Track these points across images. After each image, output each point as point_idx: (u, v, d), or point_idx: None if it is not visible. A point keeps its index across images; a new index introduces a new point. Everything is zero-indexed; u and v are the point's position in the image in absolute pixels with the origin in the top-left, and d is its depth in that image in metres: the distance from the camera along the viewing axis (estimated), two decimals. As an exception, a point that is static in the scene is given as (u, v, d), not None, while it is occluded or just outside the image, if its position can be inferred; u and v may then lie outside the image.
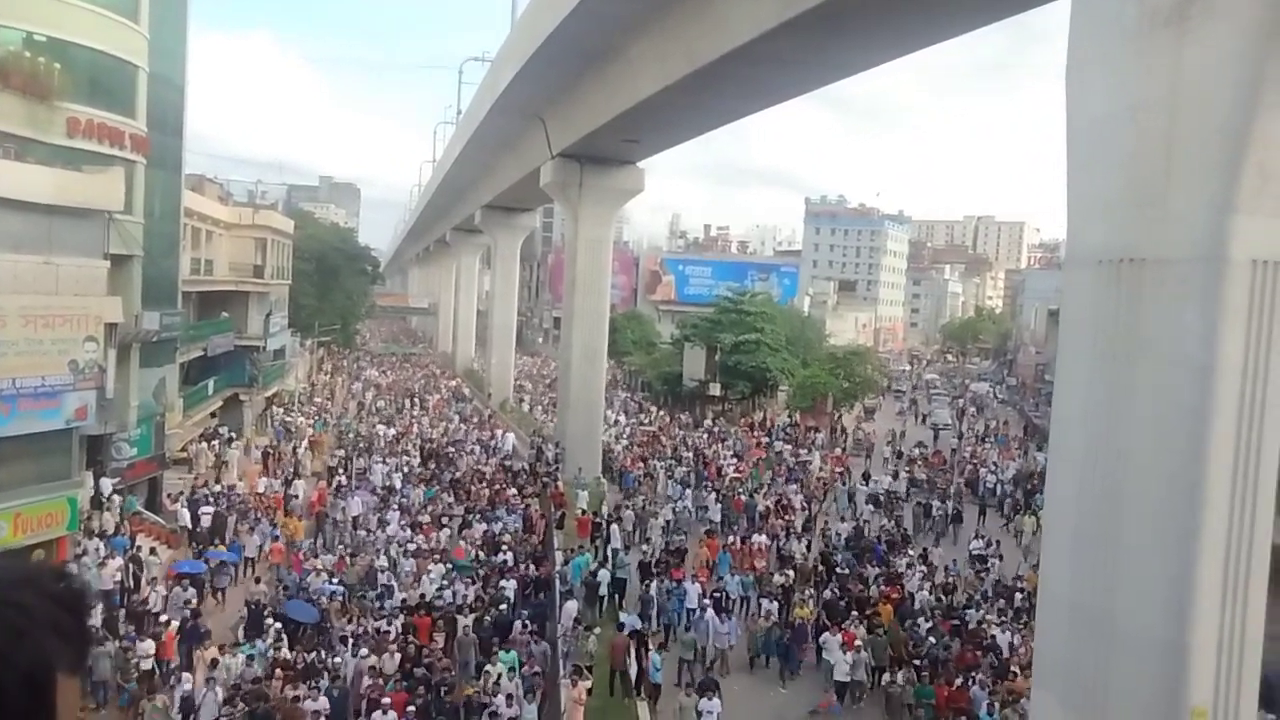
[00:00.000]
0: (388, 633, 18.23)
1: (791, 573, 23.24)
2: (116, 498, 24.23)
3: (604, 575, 21.83)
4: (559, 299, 52.21)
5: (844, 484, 34.48)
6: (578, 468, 32.49)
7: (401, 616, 19.01)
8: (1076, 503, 8.43)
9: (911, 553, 25.76)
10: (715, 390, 51.52)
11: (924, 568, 24.32)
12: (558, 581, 21.16)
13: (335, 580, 20.89)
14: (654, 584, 21.39)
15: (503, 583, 20.89)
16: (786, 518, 29.09)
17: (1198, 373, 7.36)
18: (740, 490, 31.85)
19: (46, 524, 20.63)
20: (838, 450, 42.68)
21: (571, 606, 19.62)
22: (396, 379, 63.00)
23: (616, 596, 21.76)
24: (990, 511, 32.08)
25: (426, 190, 75.60)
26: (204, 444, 32.77)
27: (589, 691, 16.06)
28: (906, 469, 37.58)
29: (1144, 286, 7.57)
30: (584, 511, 27.19)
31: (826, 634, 18.99)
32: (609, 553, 23.85)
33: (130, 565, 21.04)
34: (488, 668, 16.34)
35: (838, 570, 23.84)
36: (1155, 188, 7.56)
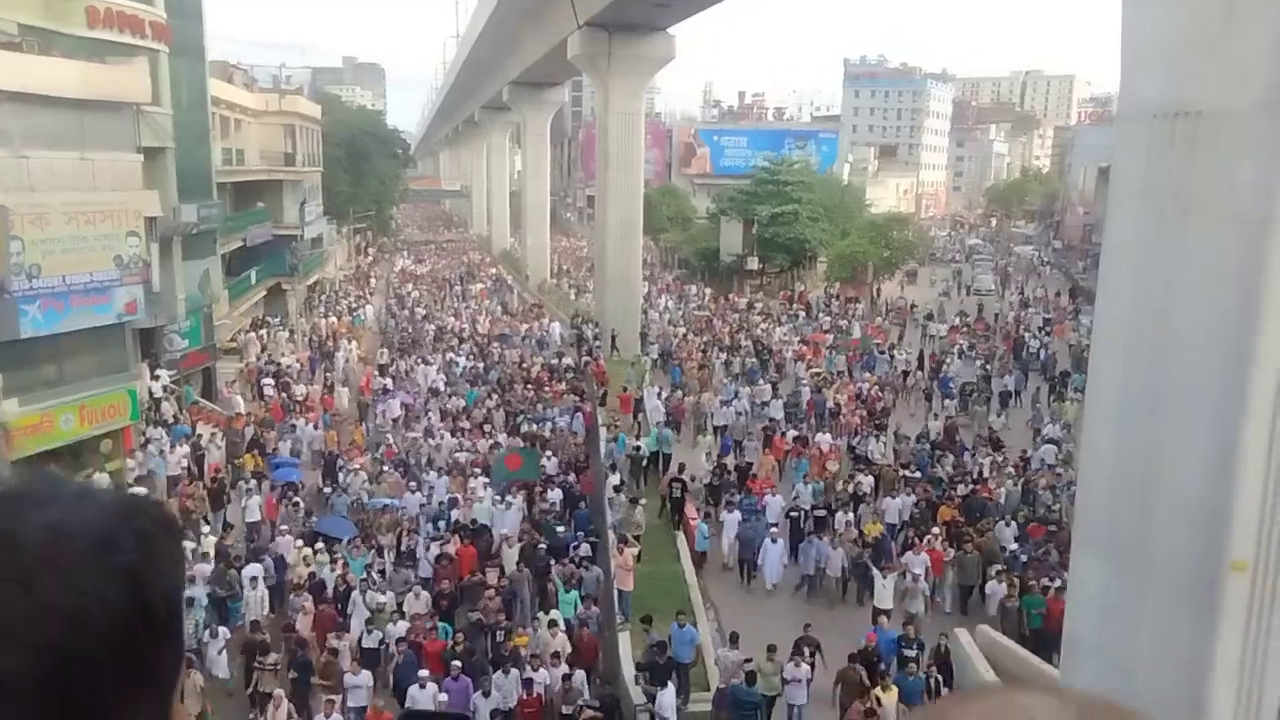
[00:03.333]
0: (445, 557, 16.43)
1: (867, 478, 20.65)
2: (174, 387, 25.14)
3: (645, 447, 22.35)
4: (592, 177, 51.36)
5: (924, 372, 31.06)
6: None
7: (435, 545, 16.95)
8: (1122, 365, 8.34)
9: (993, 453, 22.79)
10: (753, 264, 51.04)
11: (995, 455, 22.23)
12: (605, 467, 20.70)
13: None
14: (724, 513, 18.82)
15: (549, 494, 19.42)
16: (863, 413, 25.97)
17: (1252, 231, 7.10)
18: (811, 383, 28.75)
19: (110, 415, 21.47)
20: (877, 320, 42.22)
21: (614, 478, 20.18)
22: (434, 267, 62.15)
23: (660, 469, 22.17)
24: (1033, 376, 31.68)
25: (452, 68, 73.83)
26: (253, 333, 33.60)
27: (637, 558, 16.72)
28: (940, 339, 36.42)
29: (1199, 140, 7.22)
30: (625, 388, 27.50)
31: (909, 553, 16.99)
32: (650, 426, 24.24)
33: (193, 451, 21.98)
34: (539, 614, 14.71)
35: (915, 473, 21.01)
36: (1216, 31, 7.12)
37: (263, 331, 34.50)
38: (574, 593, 15.21)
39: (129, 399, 21.97)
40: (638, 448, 22.40)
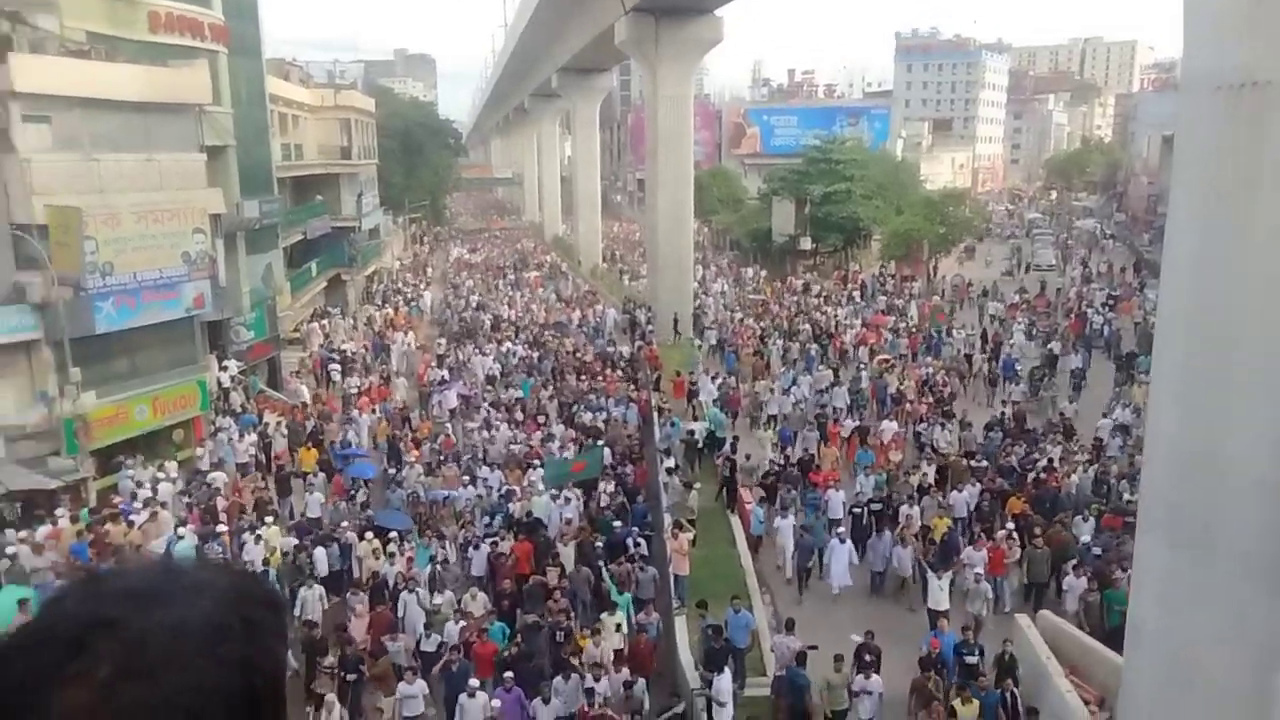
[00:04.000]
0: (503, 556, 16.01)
1: (930, 470, 19.82)
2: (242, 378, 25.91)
3: (700, 431, 22.40)
4: (641, 160, 51.32)
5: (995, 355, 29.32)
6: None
7: (486, 543, 16.44)
8: (1186, 342, 8.16)
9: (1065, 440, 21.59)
10: (806, 244, 50.53)
11: (1066, 443, 21.10)
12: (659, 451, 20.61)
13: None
14: (777, 518, 17.61)
15: (603, 485, 18.81)
16: (930, 400, 24.84)
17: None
18: (875, 369, 27.59)
19: (181, 406, 22.26)
20: (934, 299, 41.41)
21: (669, 462, 20.26)
22: (489, 256, 62.22)
23: (713, 453, 22.17)
24: (1097, 355, 30.77)
25: (501, 57, 74.24)
26: (314, 323, 34.44)
27: (692, 542, 16.82)
28: (999, 319, 35.11)
29: (1266, 112, 7.01)
30: (679, 373, 27.56)
31: (970, 548, 16.01)
32: (704, 410, 24.28)
33: (260, 439, 22.65)
34: (602, 617, 13.94)
35: (982, 463, 19.98)
36: (1284, -1, 6.89)
37: (324, 321, 35.34)
38: (627, 595, 14.57)
39: (199, 390, 22.74)
40: (692, 431, 22.47)
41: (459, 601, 14.63)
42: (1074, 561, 15.55)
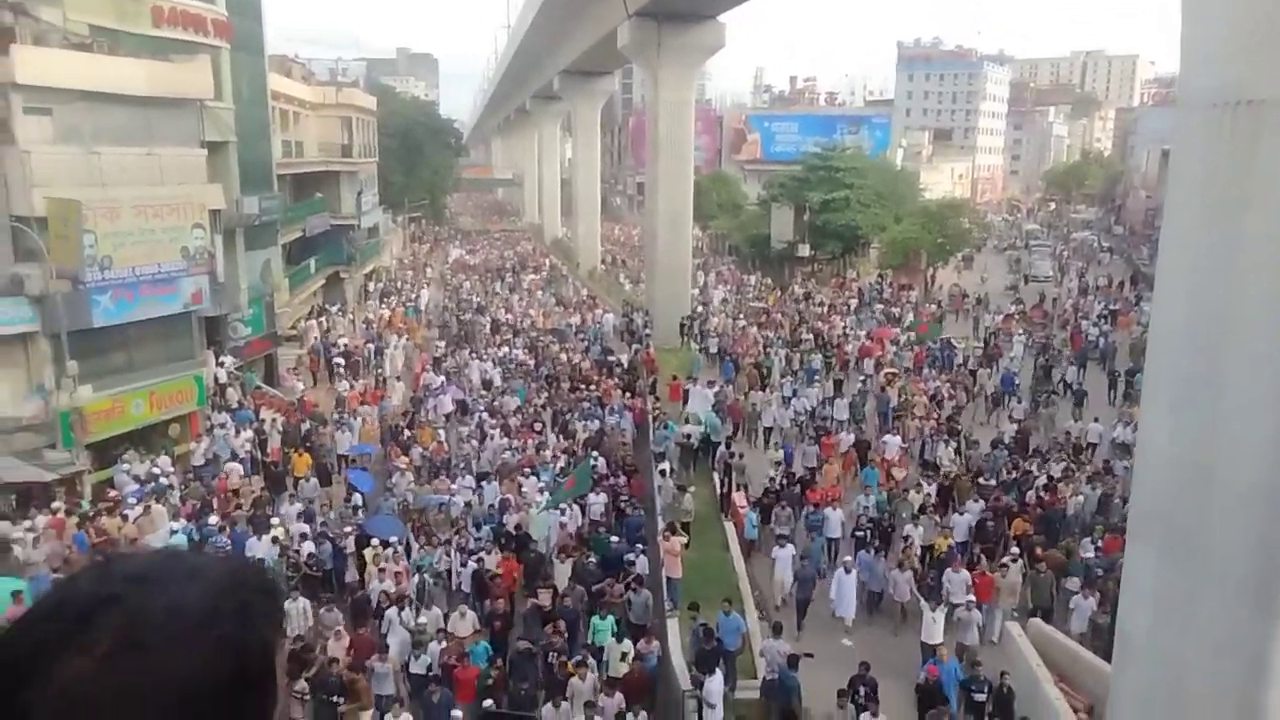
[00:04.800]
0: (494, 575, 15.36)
1: (932, 489, 19.15)
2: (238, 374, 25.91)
3: (695, 435, 22.43)
4: (642, 164, 51.41)
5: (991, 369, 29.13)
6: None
7: (474, 559, 15.75)
8: (1179, 355, 8.23)
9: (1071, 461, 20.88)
10: (804, 251, 50.65)
11: (1070, 461, 20.56)
12: (654, 454, 20.69)
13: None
14: (775, 548, 16.70)
15: (590, 497, 18.18)
16: (934, 414, 24.10)
17: (1316, 220, 6.96)
18: (882, 381, 26.91)
19: (178, 400, 22.28)
20: (930, 307, 41.47)
21: (663, 465, 20.30)
22: (486, 258, 61.68)
23: (709, 457, 22.25)
24: (1092, 365, 30.74)
25: (503, 58, 74.34)
26: (312, 320, 34.45)
27: (686, 545, 16.87)
28: (993, 331, 34.81)
29: (1260, 130, 7.08)
30: (675, 377, 27.60)
31: (948, 570, 15.38)
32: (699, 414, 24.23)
33: (256, 435, 22.65)
34: (608, 644, 13.35)
35: (990, 481, 19.46)
36: (1278, 18, 6.97)
37: (322, 318, 35.37)
38: (609, 619, 13.81)
39: (196, 385, 22.75)
40: (687, 435, 22.50)
41: (445, 619, 14.09)
42: (1078, 580, 15.20)
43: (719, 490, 20.52)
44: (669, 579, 15.75)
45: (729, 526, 18.99)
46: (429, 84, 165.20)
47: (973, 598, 14.69)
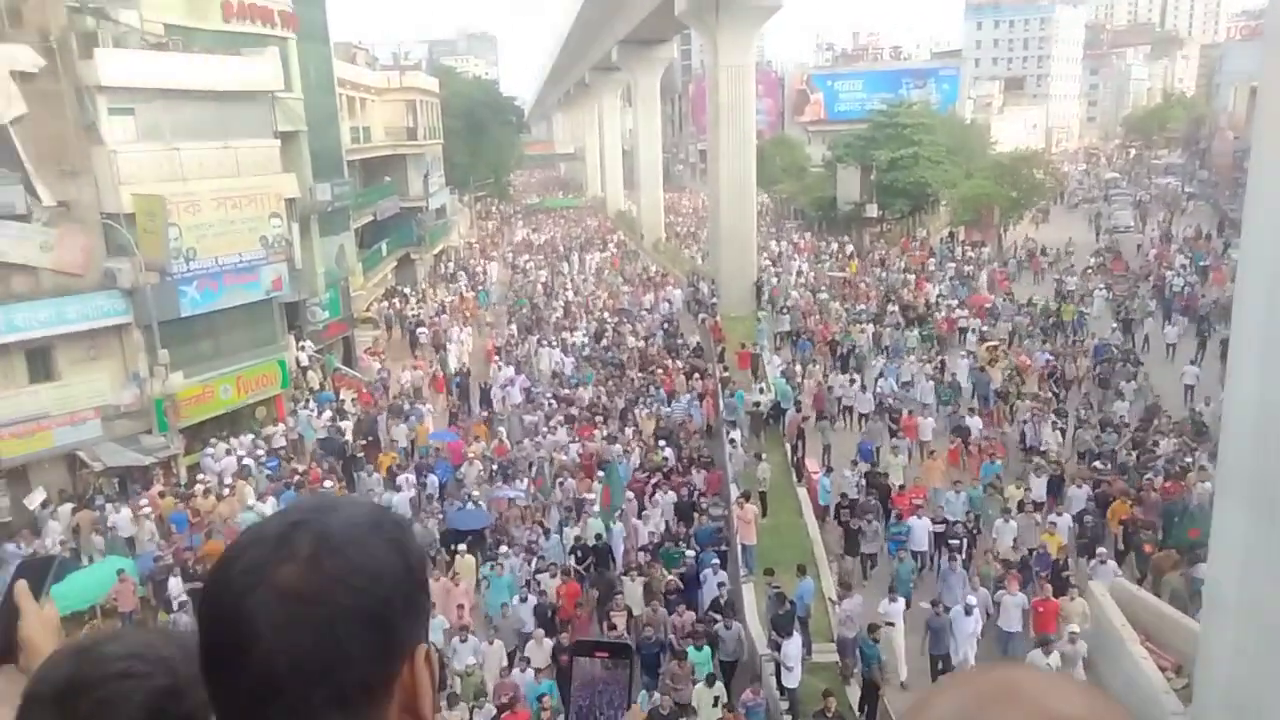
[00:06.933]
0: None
1: (1041, 482, 16.83)
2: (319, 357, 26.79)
3: (765, 402, 22.39)
4: (703, 130, 50.83)
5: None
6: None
7: (535, 591, 14.07)
8: (1267, 299, 7.94)
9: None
10: (872, 211, 49.67)
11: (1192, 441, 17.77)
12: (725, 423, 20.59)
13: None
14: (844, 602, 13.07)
15: (656, 497, 16.99)
16: (1050, 393, 21.87)
17: None
18: (984, 357, 24.32)
19: (263, 384, 23.16)
20: (1001, 266, 40.01)
21: (734, 433, 20.39)
22: (551, 237, 60.40)
23: (778, 424, 22.17)
24: (1176, 319, 29.30)
25: (561, 31, 74.21)
26: (386, 302, 35.30)
27: (763, 514, 16.97)
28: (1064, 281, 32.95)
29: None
30: (744, 345, 27.50)
31: (1002, 592, 13.03)
32: (770, 383, 24.15)
33: (336, 415, 23.42)
34: (697, 688, 11.39)
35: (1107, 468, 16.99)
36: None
37: (395, 300, 36.23)
38: (705, 650, 12.24)
39: (279, 369, 23.61)
40: (757, 403, 22.46)
41: (514, 650, 12.80)
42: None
43: (790, 457, 20.50)
44: (744, 545, 15.90)
45: (802, 492, 19.01)
46: (489, 62, 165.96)
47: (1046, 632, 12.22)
